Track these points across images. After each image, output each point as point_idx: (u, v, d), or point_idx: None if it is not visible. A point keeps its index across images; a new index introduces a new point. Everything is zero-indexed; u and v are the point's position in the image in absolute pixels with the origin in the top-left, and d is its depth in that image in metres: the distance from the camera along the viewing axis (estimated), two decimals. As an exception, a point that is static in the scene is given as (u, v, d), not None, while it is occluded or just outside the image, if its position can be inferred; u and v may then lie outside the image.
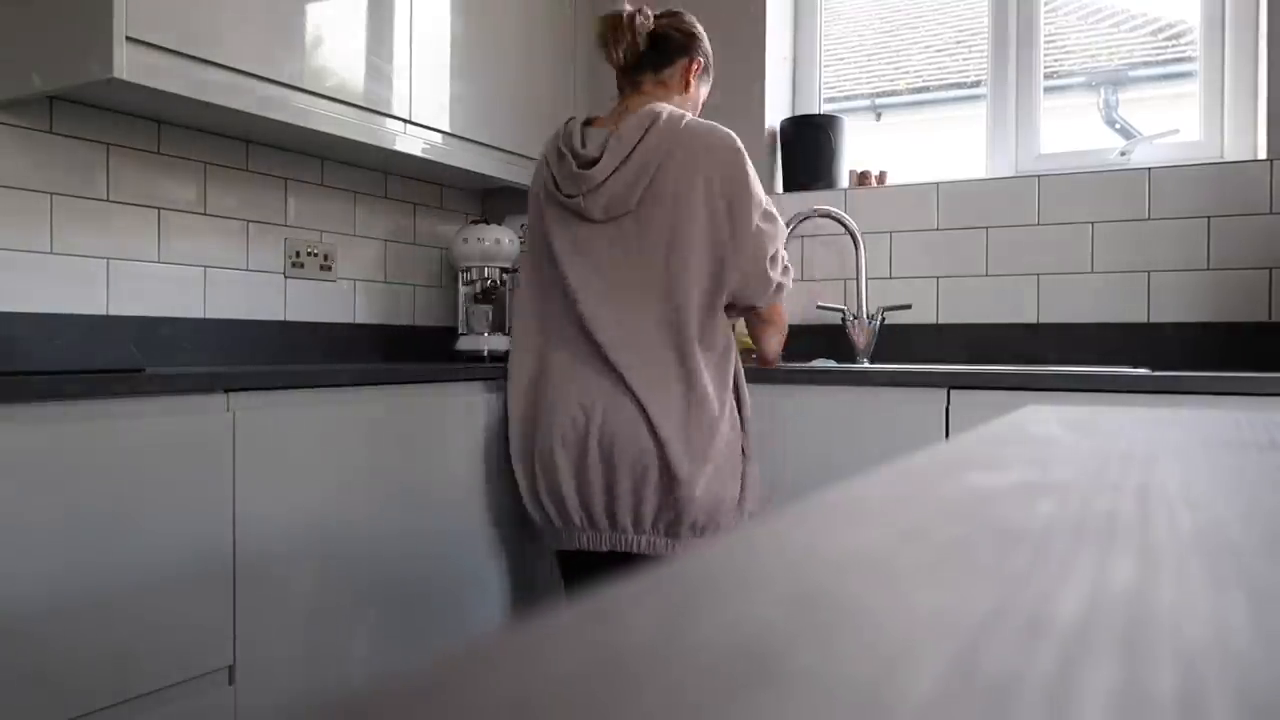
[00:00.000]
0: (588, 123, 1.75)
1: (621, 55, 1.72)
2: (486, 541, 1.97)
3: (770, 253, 1.67)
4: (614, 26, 1.72)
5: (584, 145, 1.69)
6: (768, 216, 1.67)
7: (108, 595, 1.29)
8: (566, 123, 1.75)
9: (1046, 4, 2.40)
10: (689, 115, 1.69)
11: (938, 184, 2.35)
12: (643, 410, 1.62)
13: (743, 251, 1.64)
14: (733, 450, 1.68)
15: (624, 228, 1.66)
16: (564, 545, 1.74)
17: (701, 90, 1.83)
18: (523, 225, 2.76)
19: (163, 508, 1.36)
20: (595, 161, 1.65)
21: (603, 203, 1.65)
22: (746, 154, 1.67)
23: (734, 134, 1.68)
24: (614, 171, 1.64)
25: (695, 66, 1.78)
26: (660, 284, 1.64)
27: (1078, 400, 1.62)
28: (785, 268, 1.73)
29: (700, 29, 1.80)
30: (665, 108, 1.67)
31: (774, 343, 1.87)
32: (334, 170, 2.38)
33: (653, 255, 1.65)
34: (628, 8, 1.73)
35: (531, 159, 2.52)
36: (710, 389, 1.64)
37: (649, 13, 1.74)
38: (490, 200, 2.85)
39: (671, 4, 1.89)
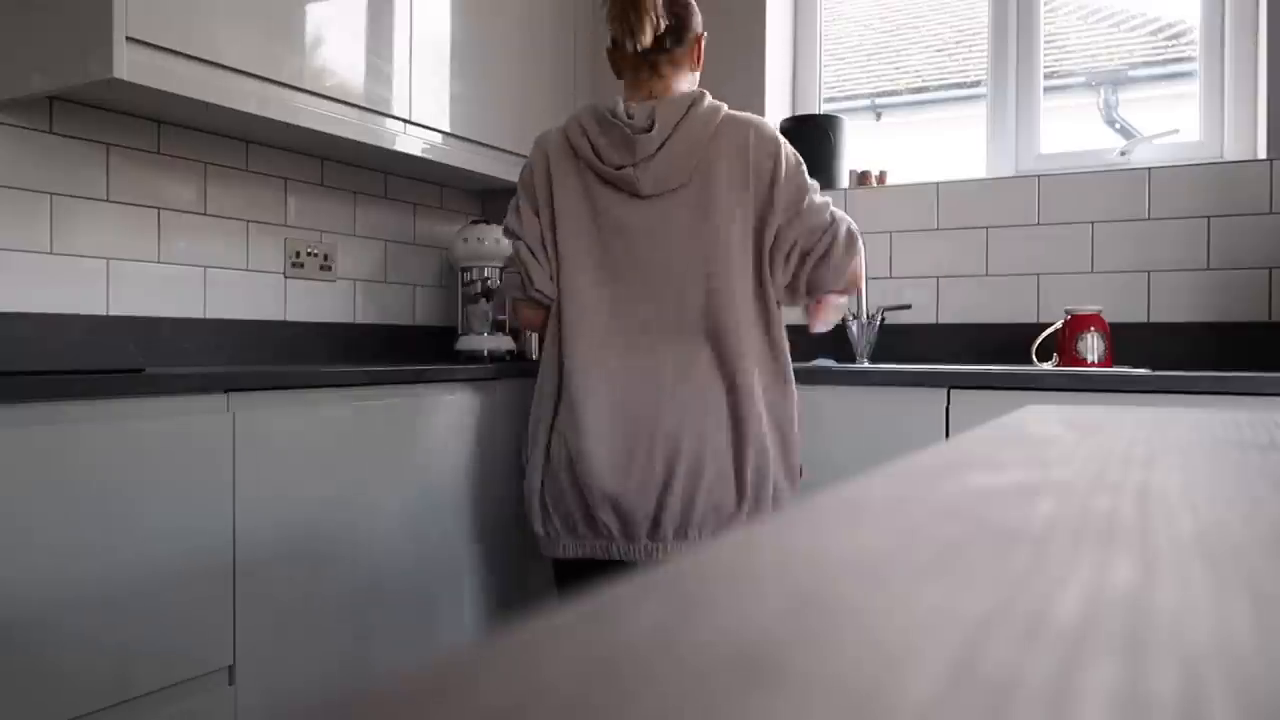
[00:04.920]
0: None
1: (649, 37, 1.58)
2: (487, 541, 1.97)
3: (814, 196, 1.58)
4: (635, 6, 1.57)
5: (629, 115, 1.59)
6: (815, 187, 1.61)
7: (108, 595, 1.29)
8: (592, 103, 1.65)
9: (1046, 4, 2.40)
10: (725, 105, 1.62)
11: (938, 184, 2.35)
12: (684, 421, 1.54)
13: (781, 198, 1.55)
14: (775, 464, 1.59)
15: (668, 204, 1.58)
16: (562, 554, 1.65)
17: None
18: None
19: (163, 508, 1.36)
20: (646, 130, 1.56)
21: (653, 174, 1.56)
22: None
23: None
24: (666, 141, 1.56)
25: (702, 39, 1.67)
26: (701, 264, 1.56)
27: (1078, 400, 1.62)
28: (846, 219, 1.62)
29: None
30: (704, 93, 1.61)
31: (832, 316, 1.72)
32: (334, 170, 2.37)
33: (698, 232, 1.56)
34: None
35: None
36: (759, 394, 1.56)
37: None
38: (490, 200, 2.84)
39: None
